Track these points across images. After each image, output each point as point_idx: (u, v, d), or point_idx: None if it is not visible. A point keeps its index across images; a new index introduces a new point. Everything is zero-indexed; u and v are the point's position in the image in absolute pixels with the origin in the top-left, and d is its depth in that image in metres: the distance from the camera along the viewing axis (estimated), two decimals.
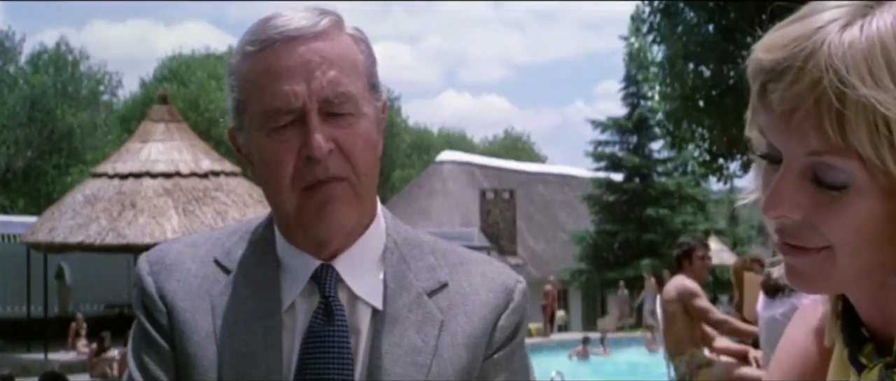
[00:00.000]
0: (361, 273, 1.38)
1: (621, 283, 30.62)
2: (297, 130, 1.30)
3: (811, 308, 1.10)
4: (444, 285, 1.40)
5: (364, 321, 1.37)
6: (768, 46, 0.88)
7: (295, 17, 1.33)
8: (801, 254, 0.89)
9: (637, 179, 34.71)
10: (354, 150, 1.31)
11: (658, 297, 7.50)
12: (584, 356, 21.92)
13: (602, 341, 23.31)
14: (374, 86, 1.37)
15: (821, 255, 0.87)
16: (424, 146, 51.06)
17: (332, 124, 1.30)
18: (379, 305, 1.37)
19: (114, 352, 17.02)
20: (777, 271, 0.96)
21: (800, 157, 0.87)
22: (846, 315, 0.97)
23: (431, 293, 1.39)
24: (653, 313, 26.51)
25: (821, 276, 0.88)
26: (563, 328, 29.09)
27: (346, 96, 1.31)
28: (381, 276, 1.39)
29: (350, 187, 1.32)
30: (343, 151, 1.31)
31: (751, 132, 0.94)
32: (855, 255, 0.86)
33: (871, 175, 0.84)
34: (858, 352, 0.95)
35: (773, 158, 0.90)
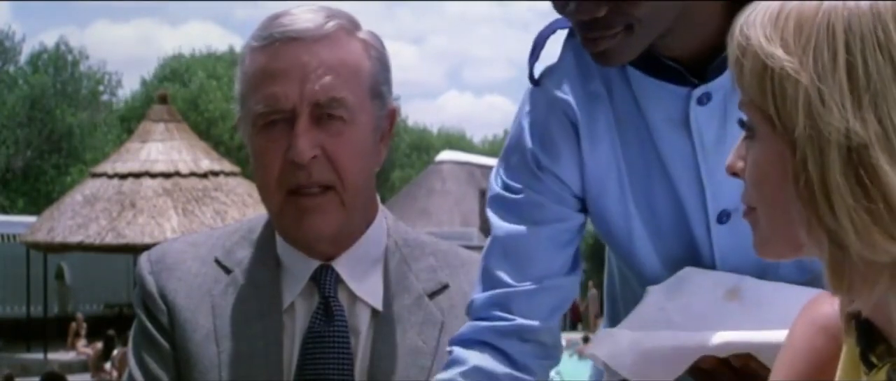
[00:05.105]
0: (361, 274, 1.38)
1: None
2: (285, 132, 1.30)
3: (816, 305, 1.10)
4: (444, 287, 1.40)
5: (364, 321, 1.37)
6: None
7: (302, 17, 1.32)
8: (749, 214, 0.96)
9: None
10: (341, 158, 1.30)
11: None
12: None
13: None
14: (377, 94, 1.35)
15: (753, 215, 0.95)
16: (424, 146, 50.96)
17: (322, 130, 1.30)
18: (379, 306, 1.37)
19: (114, 352, 16.98)
20: None
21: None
22: (859, 313, 0.97)
23: (432, 295, 1.39)
24: None
25: (759, 240, 0.95)
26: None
27: (338, 103, 1.30)
28: (382, 277, 1.39)
29: (335, 196, 1.31)
30: (329, 159, 1.30)
31: None
32: (768, 213, 0.93)
33: (769, 125, 0.90)
34: (870, 351, 0.95)
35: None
